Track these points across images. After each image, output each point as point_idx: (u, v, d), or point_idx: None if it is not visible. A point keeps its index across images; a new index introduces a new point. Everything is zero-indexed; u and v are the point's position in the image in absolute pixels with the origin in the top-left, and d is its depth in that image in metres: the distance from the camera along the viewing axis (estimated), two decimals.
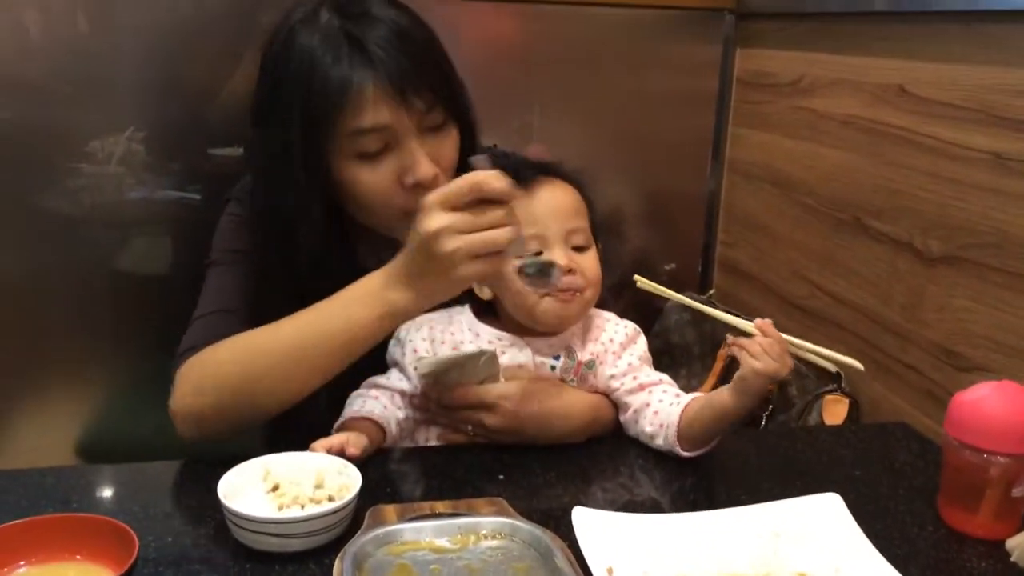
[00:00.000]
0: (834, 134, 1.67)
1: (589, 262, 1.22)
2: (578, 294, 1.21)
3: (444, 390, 1.21)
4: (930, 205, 1.43)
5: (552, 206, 1.21)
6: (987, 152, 1.32)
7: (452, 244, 1.02)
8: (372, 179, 1.21)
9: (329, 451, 1.08)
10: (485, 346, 1.22)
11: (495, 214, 1.03)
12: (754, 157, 1.94)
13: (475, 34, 1.84)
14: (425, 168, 1.20)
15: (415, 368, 1.21)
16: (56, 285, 1.70)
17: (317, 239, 1.24)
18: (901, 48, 1.49)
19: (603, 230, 1.87)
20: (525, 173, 1.20)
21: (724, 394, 1.12)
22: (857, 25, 1.61)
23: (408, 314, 1.12)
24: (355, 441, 1.11)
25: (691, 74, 1.99)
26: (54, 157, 1.65)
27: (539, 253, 1.19)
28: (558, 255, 1.19)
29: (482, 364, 1.19)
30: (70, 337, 1.74)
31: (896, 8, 1.50)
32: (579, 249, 1.22)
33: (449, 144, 1.25)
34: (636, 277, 1.25)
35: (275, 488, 1.03)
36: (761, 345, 1.09)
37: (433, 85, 1.20)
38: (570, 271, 1.19)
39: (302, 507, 1.00)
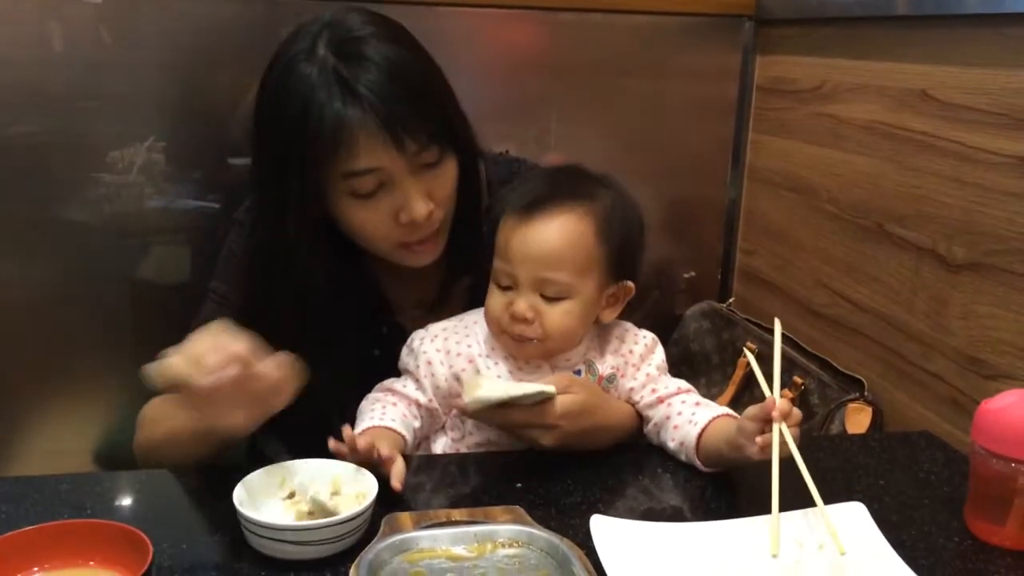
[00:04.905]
0: (856, 140, 1.65)
1: (556, 316, 1.16)
2: (535, 340, 1.18)
3: (498, 415, 1.16)
4: (954, 211, 1.42)
5: (528, 251, 1.15)
6: (1012, 157, 1.30)
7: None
8: (366, 217, 1.22)
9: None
10: (502, 361, 1.21)
11: (211, 360, 0.98)
12: (774, 164, 1.93)
13: (493, 41, 1.84)
14: (419, 208, 1.20)
15: (467, 401, 1.14)
16: (75, 293, 1.71)
17: (319, 265, 1.24)
18: (924, 52, 1.47)
19: None
20: (533, 202, 1.17)
21: (736, 442, 1.08)
22: (879, 30, 1.59)
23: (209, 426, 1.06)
24: (381, 442, 1.09)
25: (710, 81, 1.98)
26: (75, 167, 1.66)
27: (509, 287, 1.17)
28: (520, 303, 1.16)
29: (537, 395, 1.14)
30: (89, 345, 1.74)
31: (919, 12, 1.48)
32: (552, 299, 1.16)
33: (445, 177, 1.24)
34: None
35: (291, 495, 1.03)
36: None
37: (427, 124, 1.18)
38: (524, 319, 1.16)
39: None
